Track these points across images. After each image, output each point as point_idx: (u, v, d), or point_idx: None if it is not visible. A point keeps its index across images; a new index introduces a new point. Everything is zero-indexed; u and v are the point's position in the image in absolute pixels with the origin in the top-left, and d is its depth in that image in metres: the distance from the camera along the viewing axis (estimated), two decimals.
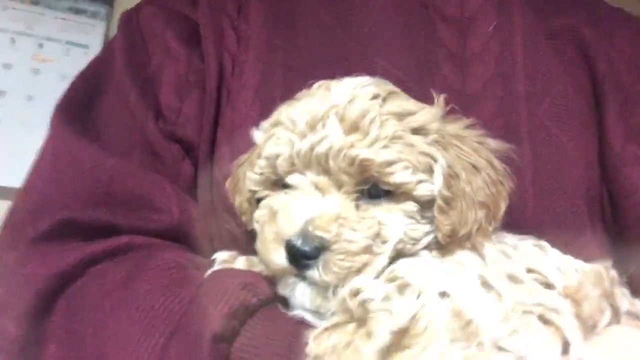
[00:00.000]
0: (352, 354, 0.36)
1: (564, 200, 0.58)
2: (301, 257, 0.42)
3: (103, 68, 0.63)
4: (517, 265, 0.45)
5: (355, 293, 0.38)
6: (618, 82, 0.64)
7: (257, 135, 0.52)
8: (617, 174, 0.61)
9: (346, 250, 0.42)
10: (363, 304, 0.38)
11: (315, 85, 0.50)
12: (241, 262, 0.51)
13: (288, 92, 0.52)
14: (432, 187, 0.45)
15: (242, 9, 0.67)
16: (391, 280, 0.40)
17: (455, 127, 0.49)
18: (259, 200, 0.52)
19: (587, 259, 0.47)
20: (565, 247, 0.48)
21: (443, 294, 0.40)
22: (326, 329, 0.39)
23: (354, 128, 0.44)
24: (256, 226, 0.50)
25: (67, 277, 0.49)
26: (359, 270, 0.42)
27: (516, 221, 0.51)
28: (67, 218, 0.51)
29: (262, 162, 0.49)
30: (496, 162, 0.49)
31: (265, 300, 0.45)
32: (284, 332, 0.43)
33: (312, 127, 0.45)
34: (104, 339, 0.45)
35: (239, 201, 0.53)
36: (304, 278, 0.44)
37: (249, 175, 0.51)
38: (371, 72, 0.51)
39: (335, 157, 0.44)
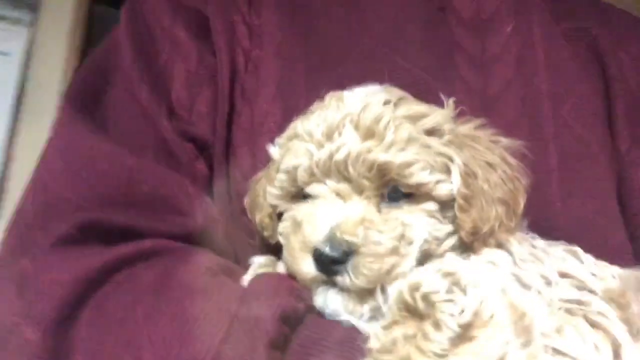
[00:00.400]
0: (424, 341, 0.36)
1: (592, 202, 0.58)
2: (330, 263, 0.43)
3: (108, 61, 0.61)
4: (548, 268, 0.45)
5: (416, 288, 0.38)
6: (626, 84, 0.65)
7: (274, 150, 0.53)
8: (623, 177, 0.62)
9: (374, 253, 0.43)
10: (426, 297, 0.37)
11: (327, 97, 0.51)
12: (282, 267, 0.51)
13: (310, 90, 0.53)
14: (450, 186, 0.46)
15: (252, 4, 0.66)
16: (443, 275, 0.40)
17: (467, 127, 0.51)
18: (279, 215, 0.52)
19: (620, 265, 0.48)
20: (596, 252, 0.48)
21: (499, 289, 0.40)
22: (385, 327, 0.39)
23: (369, 134, 0.45)
24: (280, 239, 0.51)
25: (92, 283, 0.46)
26: (388, 272, 0.43)
27: (543, 226, 0.51)
28: (87, 220, 0.48)
29: (281, 176, 0.50)
30: (510, 159, 0.50)
31: (310, 307, 0.45)
32: (336, 338, 0.42)
33: (328, 136, 0.46)
34: (138, 349, 0.42)
35: (259, 217, 0.53)
36: (333, 285, 0.44)
37: (269, 190, 0.51)
38: (393, 71, 0.52)
39: (354, 163, 0.45)
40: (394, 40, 0.64)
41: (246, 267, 0.51)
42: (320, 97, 0.51)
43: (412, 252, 0.44)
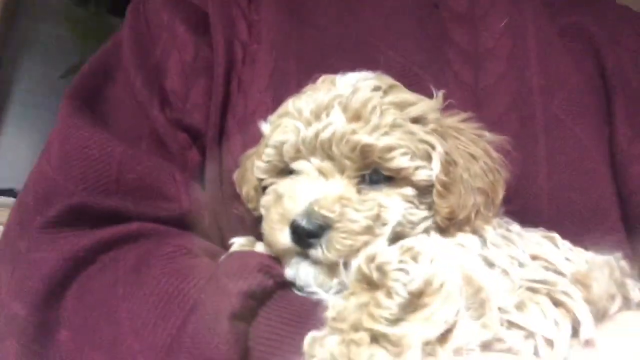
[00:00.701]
0: (375, 308, 0.37)
1: (581, 194, 0.59)
2: (305, 236, 0.45)
3: (111, 57, 0.64)
4: (520, 251, 0.46)
5: (372, 259, 0.40)
6: (625, 79, 0.65)
7: (265, 127, 0.55)
8: (623, 172, 0.62)
9: (349, 229, 0.44)
10: (380, 267, 0.39)
11: (320, 79, 0.52)
12: (261, 247, 0.53)
13: (301, 81, 0.54)
14: (430, 172, 0.48)
15: (252, 0, 0.68)
16: (403, 250, 0.41)
17: (453, 119, 0.52)
18: (264, 189, 0.54)
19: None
20: (584, 243, 0.49)
21: (454, 263, 0.41)
22: (343, 297, 0.41)
23: (356, 116, 0.47)
24: (262, 211, 0.53)
25: (78, 263, 0.49)
26: (359, 249, 0.44)
27: (531, 217, 0.52)
28: (77, 204, 0.51)
29: (269, 150, 0.51)
30: (493, 152, 0.51)
31: (281, 283, 0.47)
32: (301, 312, 0.44)
33: (317, 115, 0.48)
34: (117, 324, 0.45)
35: (246, 190, 0.55)
36: (306, 257, 0.46)
37: (257, 163, 0.53)
38: (384, 63, 0.53)
39: (339, 143, 0.46)
40: (387, 33, 0.65)
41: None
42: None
43: (385, 233, 0.46)
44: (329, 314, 0.39)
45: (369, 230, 0.45)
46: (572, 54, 0.66)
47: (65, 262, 0.49)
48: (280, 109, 0.53)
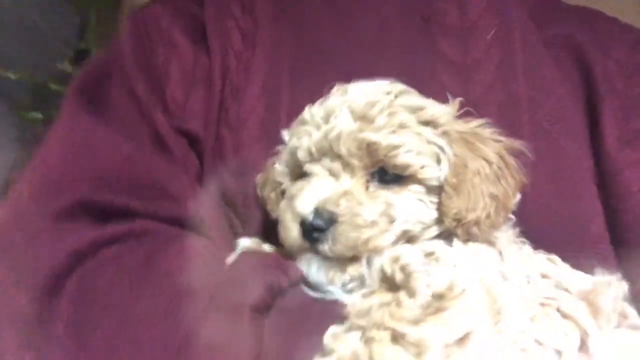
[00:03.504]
0: (397, 307, 0.38)
1: (565, 204, 0.59)
2: (313, 231, 0.46)
3: (112, 59, 0.65)
4: (532, 269, 0.47)
5: (396, 260, 0.41)
6: (612, 88, 0.65)
7: (285, 134, 0.57)
8: (612, 179, 0.62)
9: (353, 223, 0.45)
10: (404, 268, 0.40)
11: (335, 88, 0.54)
12: (268, 248, 0.55)
13: (294, 90, 0.56)
14: (438, 172, 0.48)
15: (246, 7, 0.70)
16: (425, 254, 0.43)
17: (467, 124, 0.52)
18: (283, 193, 0.56)
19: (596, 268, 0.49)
20: (569, 251, 0.50)
21: (474, 271, 0.42)
22: (364, 295, 0.42)
23: (363, 117, 0.48)
24: (281, 213, 0.54)
25: (80, 257, 0.48)
26: (365, 243, 0.45)
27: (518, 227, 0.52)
28: (81, 199, 0.51)
29: (286, 156, 0.54)
30: (508, 157, 0.51)
31: (293, 282, 0.48)
32: (316, 309, 0.45)
33: (326, 119, 0.50)
34: (125, 315, 0.44)
35: (267, 192, 0.57)
36: (317, 252, 0.47)
37: (277, 167, 0.55)
38: (373, 74, 0.54)
39: (346, 141, 0.48)
40: (377, 47, 0.66)
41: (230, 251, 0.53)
42: (302, 96, 0.55)
43: (392, 229, 0.46)
44: (351, 309, 0.41)
45: (374, 224, 0.46)
46: (559, 63, 0.66)
47: (68, 257, 0.48)
48: (298, 118, 0.55)
